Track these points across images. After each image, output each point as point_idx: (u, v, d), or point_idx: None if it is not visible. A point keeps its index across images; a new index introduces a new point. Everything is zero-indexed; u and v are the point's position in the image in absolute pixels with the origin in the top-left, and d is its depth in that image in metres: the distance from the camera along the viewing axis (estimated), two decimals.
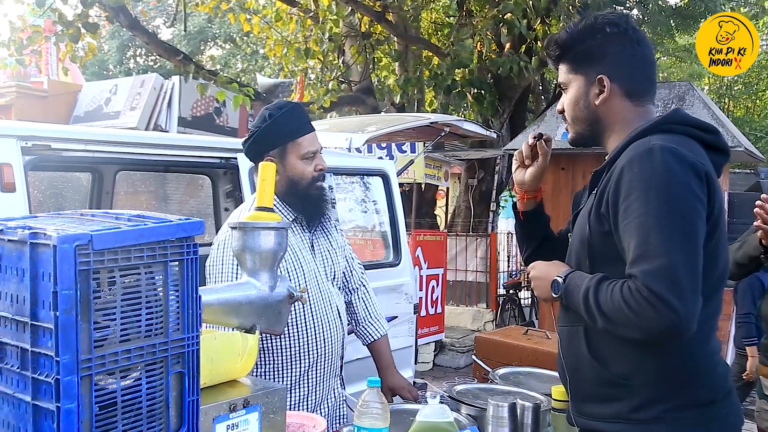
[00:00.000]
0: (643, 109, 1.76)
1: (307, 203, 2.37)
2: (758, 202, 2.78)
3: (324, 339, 2.38)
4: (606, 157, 1.77)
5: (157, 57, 12.71)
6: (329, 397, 2.45)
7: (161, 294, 1.25)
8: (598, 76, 1.74)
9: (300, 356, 2.33)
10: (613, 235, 1.62)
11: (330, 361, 2.42)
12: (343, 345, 2.48)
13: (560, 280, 1.70)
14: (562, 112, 1.86)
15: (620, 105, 1.75)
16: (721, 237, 1.64)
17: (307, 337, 2.34)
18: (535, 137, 1.98)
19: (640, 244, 1.52)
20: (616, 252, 1.61)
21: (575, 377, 1.77)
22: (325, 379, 2.41)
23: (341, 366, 2.51)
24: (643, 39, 1.78)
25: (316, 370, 2.37)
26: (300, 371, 2.33)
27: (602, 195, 1.66)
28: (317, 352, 2.36)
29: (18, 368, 1.18)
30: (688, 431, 1.61)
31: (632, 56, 1.75)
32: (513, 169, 2.06)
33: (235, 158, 3.59)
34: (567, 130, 1.88)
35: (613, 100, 1.75)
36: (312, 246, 2.43)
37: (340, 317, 2.46)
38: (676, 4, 15.08)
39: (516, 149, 2.07)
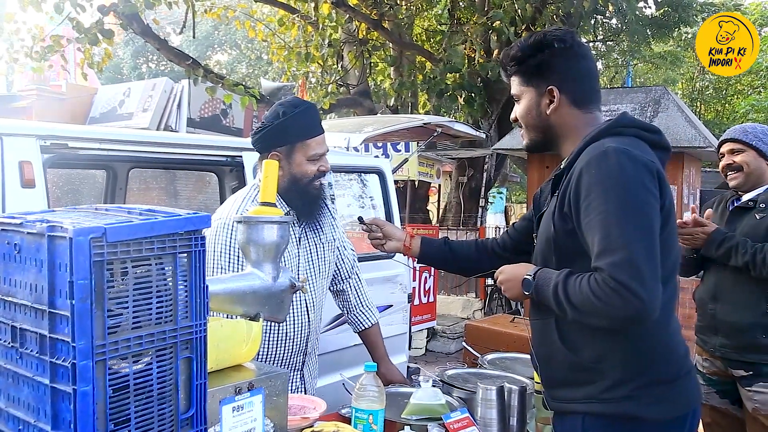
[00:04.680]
0: (591, 116, 1.81)
1: (304, 200, 2.31)
2: (681, 222, 2.86)
3: (286, 333, 2.30)
4: (563, 161, 1.81)
5: (168, 62, 12.66)
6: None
7: (171, 284, 1.25)
8: (548, 88, 1.78)
9: (262, 350, 2.26)
10: (576, 232, 1.65)
11: (291, 355, 2.34)
12: (307, 341, 2.38)
13: (530, 278, 1.71)
14: (516, 120, 1.89)
15: (569, 113, 1.79)
16: (673, 227, 1.69)
17: (270, 331, 2.28)
18: (360, 224, 2.32)
19: (602, 238, 1.55)
20: (581, 248, 1.64)
21: (548, 365, 1.79)
22: None
23: (304, 361, 2.41)
24: (587, 53, 1.83)
25: (276, 363, 2.30)
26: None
27: (564, 196, 1.68)
28: (277, 347, 2.30)
29: (37, 353, 1.18)
30: (655, 406, 1.64)
31: (578, 69, 1.80)
32: (377, 247, 2.32)
33: (241, 156, 3.58)
34: (522, 137, 1.92)
35: (563, 109, 1.79)
36: (299, 240, 2.36)
37: (307, 313, 2.36)
38: (652, 15, 15.08)
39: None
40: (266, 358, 2.30)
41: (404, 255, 2.30)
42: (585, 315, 1.58)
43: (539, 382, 2.00)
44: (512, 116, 1.91)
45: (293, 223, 2.35)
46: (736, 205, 2.98)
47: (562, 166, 1.78)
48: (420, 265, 2.28)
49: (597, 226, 1.56)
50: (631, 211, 1.55)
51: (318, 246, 2.42)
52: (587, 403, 1.68)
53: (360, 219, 2.33)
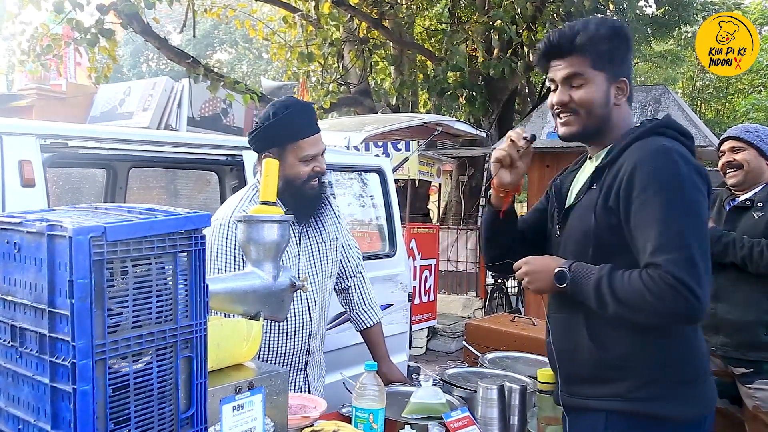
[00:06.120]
0: (630, 112, 1.83)
1: (300, 202, 2.28)
2: None
3: (286, 333, 2.30)
4: (594, 154, 1.79)
5: (168, 61, 12.66)
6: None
7: (171, 283, 1.25)
8: (622, 78, 1.76)
9: (263, 350, 2.26)
10: (621, 227, 1.63)
11: (294, 355, 2.33)
12: (309, 341, 2.37)
13: (565, 270, 1.68)
14: (566, 104, 1.75)
15: (626, 108, 1.80)
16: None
17: (270, 331, 2.27)
18: (527, 139, 1.83)
19: (659, 235, 1.54)
20: (622, 243, 1.63)
21: (571, 361, 1.76)
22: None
23: (307, 361, 2.40)
24: None
25: (278, 363, 2.29)
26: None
27: (610, 190, 1.66)
28: (278, 347, 2.29)
29: (37, 352, 1.18)
30: (681, 406, 1.64)
31: (632, 66, 1.81)
32: (494, 171, 1.88)
33: (241, 155, 3.58)
34: (561, 124, 1.78)
35: (624, 103, 1.79)
36: (299, 240, 2.34)
37: (309, 313, 2.35)
38: (652, 13, 15.07)
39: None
40: (267, 358, 2.29)
41: (503, 199, 1.96)
42: (631, 310, 1.57)
43: (542, 381, 1.99)
44: (564, 98, 1.75)
45: (292, 223, 2.32)
46: (733, 204, 2.99)
47: (599, 162, 1.73)
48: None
49: (653, 222, 1.55)
50: (688, 211, 1.56)
51: (320, 245, 2.40)
52: (612, 400, 1.67)
53: (533, 137, 1.89)
